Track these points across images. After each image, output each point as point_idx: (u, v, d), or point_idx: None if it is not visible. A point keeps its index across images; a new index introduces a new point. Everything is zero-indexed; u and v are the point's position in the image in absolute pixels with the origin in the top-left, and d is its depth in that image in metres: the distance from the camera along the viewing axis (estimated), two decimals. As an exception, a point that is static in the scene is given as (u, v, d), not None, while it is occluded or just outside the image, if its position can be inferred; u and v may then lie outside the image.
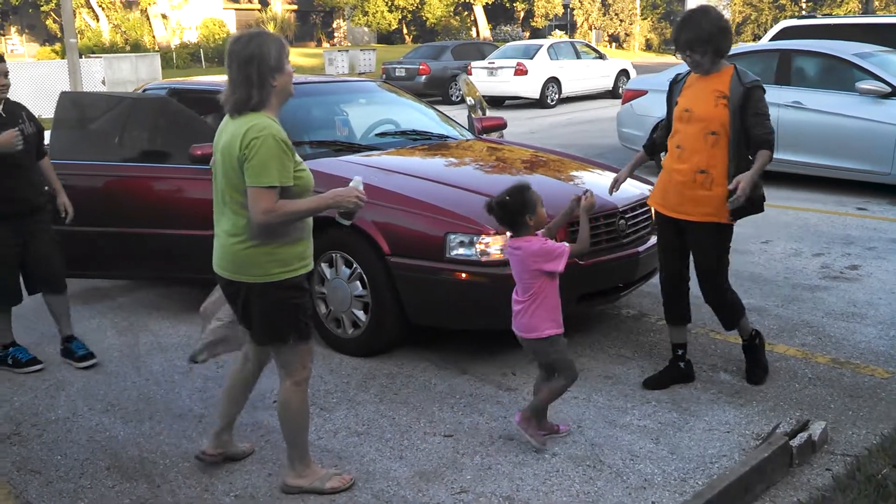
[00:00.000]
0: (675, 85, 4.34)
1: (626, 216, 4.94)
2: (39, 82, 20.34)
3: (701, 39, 3.98)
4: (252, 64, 3.06)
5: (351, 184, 3.23)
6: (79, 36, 27.10)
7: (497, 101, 20.09)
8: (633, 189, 5.36)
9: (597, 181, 5.52)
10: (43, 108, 19.09)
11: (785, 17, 23.26)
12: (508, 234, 3.76)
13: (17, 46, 39.75)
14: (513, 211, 3.61)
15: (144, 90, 6.93)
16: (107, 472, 3.60)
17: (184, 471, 3.59)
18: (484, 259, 4.45)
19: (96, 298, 6.05)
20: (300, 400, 3.32)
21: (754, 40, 37.45)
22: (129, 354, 4.95)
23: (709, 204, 4.09)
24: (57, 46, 35.39)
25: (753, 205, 4.06)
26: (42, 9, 37.98)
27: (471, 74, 20.16)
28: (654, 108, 10.22)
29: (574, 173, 5.71)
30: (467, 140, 6.43)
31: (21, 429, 4.02)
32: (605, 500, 3.27)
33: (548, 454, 3.63)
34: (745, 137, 4.03)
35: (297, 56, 40.05)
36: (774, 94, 9.14)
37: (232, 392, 3.57)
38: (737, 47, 10.25)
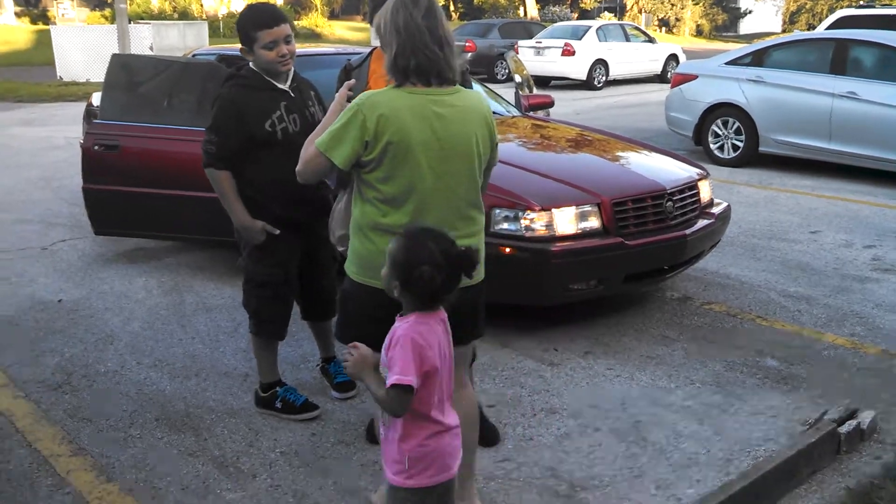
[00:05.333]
0: (356, 72, 3.66)
1: (674, 198, 4.89)
2: (90, 47, 20.59)
3: None
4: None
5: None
6: (128, 2, 27.33)
7: (543, 82, 19.93)
8: (681, 171, 5.32)
9: (642, 162, 5.49)
10: (93, 72, 19.48)
11: (841, 7, 22.76)
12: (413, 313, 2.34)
13: (69, 11, 40.15)
14: None
15: (193, 55, 6.98)
16: (155, 423, 3.66)
17: (230, 426, 3.64)
18: (528, 234, 4.44)
19: (143, 258, 6.13)
20: None
21: (808, 29, 36.77)
22: (176, 313, 5.02)
23: None
24: (107, 12, 35.69)
25: None
26: (93, -26, 38.38)
27: (517, 53, 20.03)
28: (703, 93, 10.11)
29: (620, 153, 5.66)
30: (513, 117, 6.40)
31: (72, 379, 4.10)
32: (648, 475, 3.26)
33: (590, 429, 3.63)
34: None
35: (344, 29, 40.06)
36: (829, 84, 9.01)
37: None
38: (791, 35, 10.08)
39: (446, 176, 2.61)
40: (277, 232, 3.54)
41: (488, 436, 3.49)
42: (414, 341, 2.24)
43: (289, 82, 3.61)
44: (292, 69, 3.62)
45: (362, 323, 2.75)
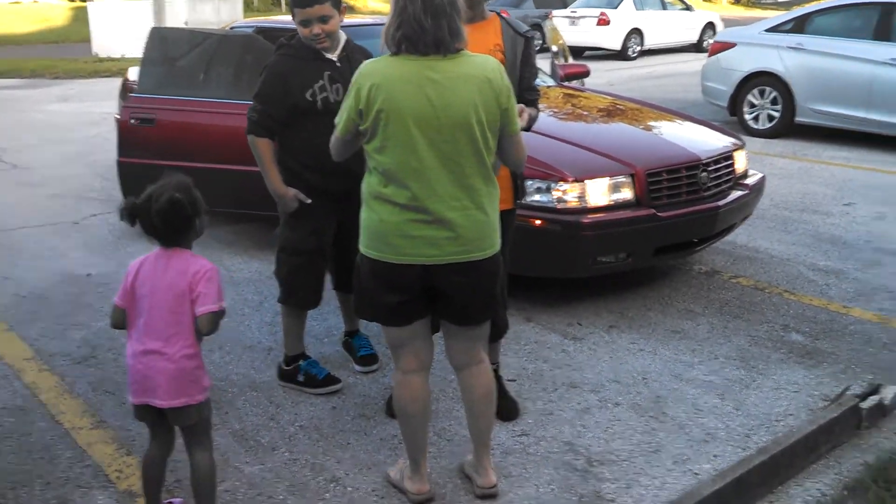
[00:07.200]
0: None
1: (709, 168, 4.81)
2: (125, 23, 20.71)
3: None
4: None
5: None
6: (164, -23, 27.42)
7: (576, 52, 19.66)
8: (716, 141, 5.23)
9: (677, 132, 5.40)
10: (128, 48, 19.64)
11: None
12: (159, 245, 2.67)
13: (106, -14, 40.57)
14: (192, 211, 2.64)
15: (231, 28, 6.97)
16: (177, 396, 3.70)
17: (251, 399, 3.68)
18: (560, 206, 4.40)
19: (173, 232, 6.18)
20: None
21: (851, -4, 35.75)
22: (203, 287, 5.05)
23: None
24: (143, -13, 36.02)
25: None
26: (130, -51, 38.60)
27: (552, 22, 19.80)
28: (742, 61, 9.90)
29: (655, 123, 5.59)
30: (548, 86, 6.33)
31: (97, 352, 4.16)
32: (666, 450, 3.25)
33: (610, 403, 3.61)
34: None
35: (377, 1, 39.90)
36: (871, 51, 8.76)
37: (427, 415, 2.95)
38: (835, 0, 9.79)
39: (444, 144, 2.56)
40: (309, 201, 3.57)
41: (508, 410, 3.49)
42: (127, 270, 2.64)
43: (338, 52, 3.60)
44: (341, 40, 3.62)
45: (372, 293, 2.77)
